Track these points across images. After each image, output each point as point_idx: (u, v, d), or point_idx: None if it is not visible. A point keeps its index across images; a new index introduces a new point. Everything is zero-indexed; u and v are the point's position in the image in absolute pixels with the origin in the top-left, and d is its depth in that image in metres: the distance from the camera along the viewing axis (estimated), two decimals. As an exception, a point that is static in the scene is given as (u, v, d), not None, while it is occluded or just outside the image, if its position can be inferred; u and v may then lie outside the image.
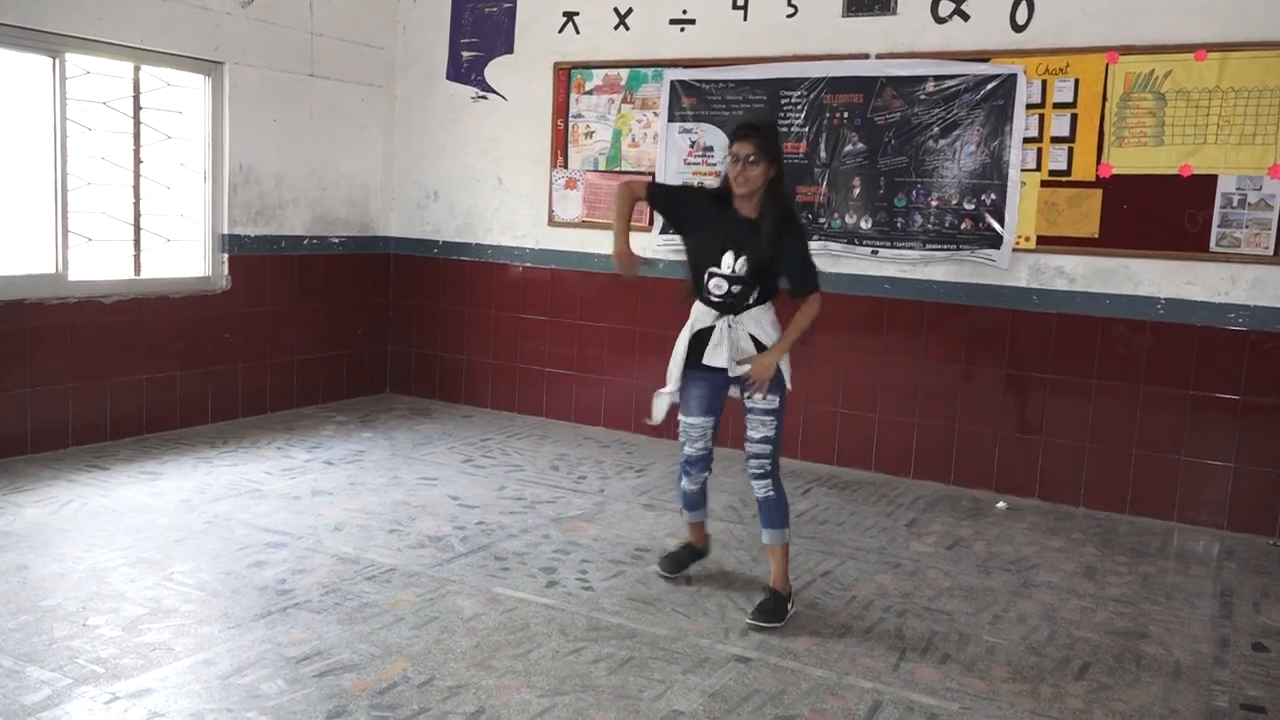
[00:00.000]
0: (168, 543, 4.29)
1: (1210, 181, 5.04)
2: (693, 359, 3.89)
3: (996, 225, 5.48)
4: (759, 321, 3.82)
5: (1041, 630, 3.82)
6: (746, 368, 3.78)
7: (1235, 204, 5.00)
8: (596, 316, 6.72)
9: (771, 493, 3.83)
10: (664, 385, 3.98)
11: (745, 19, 6.10)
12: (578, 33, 6.64)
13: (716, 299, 3.82)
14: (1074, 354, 5.40)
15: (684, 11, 6.28)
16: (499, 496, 5.18)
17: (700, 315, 3.89)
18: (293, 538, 4.42)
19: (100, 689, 3.05)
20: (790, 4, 5.96)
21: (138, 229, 5.95)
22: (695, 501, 4.14)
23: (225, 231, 6.32)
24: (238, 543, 4.33)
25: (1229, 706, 3.29)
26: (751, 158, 3.70)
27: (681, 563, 4.20)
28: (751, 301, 3.81)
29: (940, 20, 5.60)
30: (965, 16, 5.54)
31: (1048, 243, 5.41)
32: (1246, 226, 4.99)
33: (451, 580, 4.02)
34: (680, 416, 3.98)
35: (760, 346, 3.80)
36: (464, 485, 5.34)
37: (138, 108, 5.89)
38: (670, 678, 3.29)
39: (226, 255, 6.34)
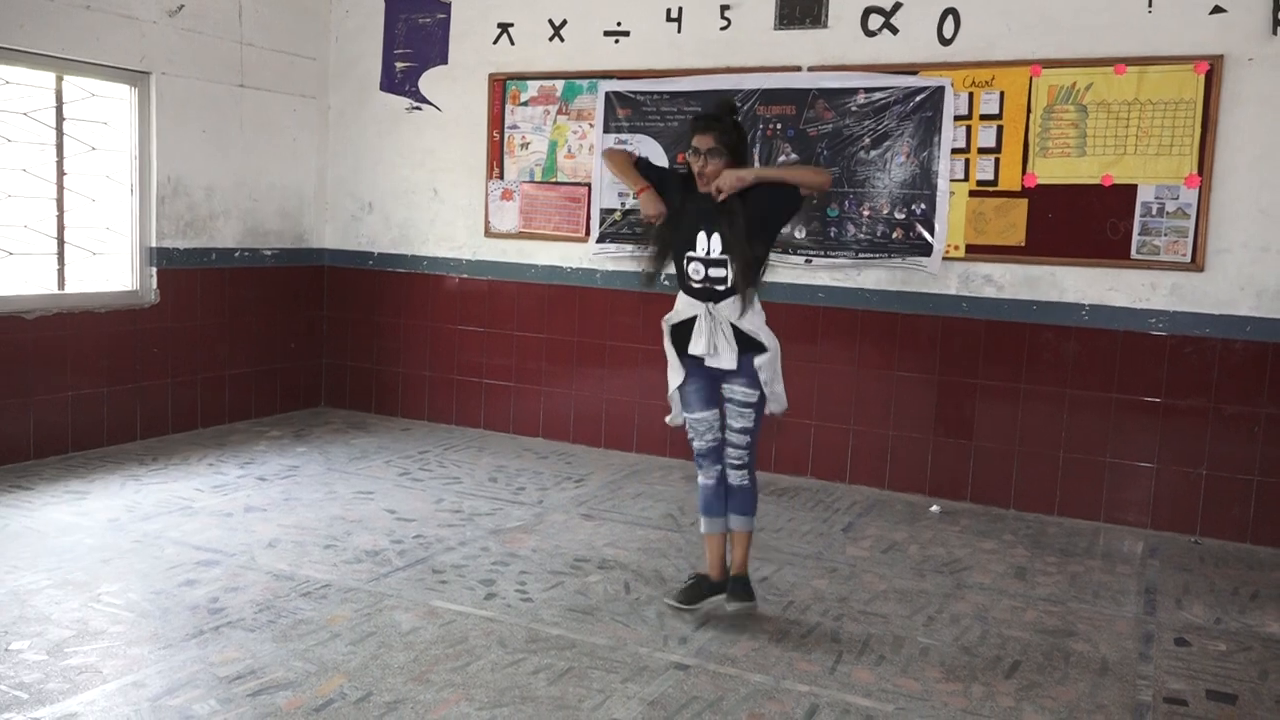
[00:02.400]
0: (95, 563, 4.19)
1: (1130, 191, 5.19)
2: (683, 351, 3.89)
3: (927, 234, 5.59)
4: (739, 310, 3.78)
5: (974, 631, 3.90)
6: (721, 356, 3.77)
7: (1154, 213, 5.16)
8: (534, 327, 6.72)
9: (746, 482, 3.92)
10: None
11: (679, 31, 6.16)
12: (512, 44, 6.64)
13: (696, 285, 3.80)
14: (1003, 360, 5.52)
15: (618, 24, 6.32)
16: (437, 509, 5.15)
17: (681, 306, 3.88)
18: (225, 555, 4.34)
19: (24, 715, 2.97)
20: (724, 17, 6.03)
21: (61, 242, 5.81)
22: (714, 502, 3.97)
23: (153, 244, 6.20)
24: (168, 561, 4.24)
25: (1153, 700, 3.39)
26: (713, 150, 3.68)
27: (699, 594, 3.97)
28: (729, 287, 3.75)
29: (870, 34, 5.71)
30: (894, 30, 5.65)
31: (976, 251, 5.52)
32: (1165, 235, 5.15)
33: (388, 595, 3.99)
34: (684, 414, 3.97)
35: (741, 337, 3.77)
36: (401, 499, 5.30)
37: (60, 119, 5.76)
38: (610, 687, 3.30)
39: (155, 269, 6.22)
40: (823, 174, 3.91)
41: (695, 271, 3.79)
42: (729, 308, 3.78)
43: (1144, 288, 5.23)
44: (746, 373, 3.81)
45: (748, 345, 3.79)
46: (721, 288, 3.77)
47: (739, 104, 5.89)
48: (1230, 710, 3.34)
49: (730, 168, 3.73)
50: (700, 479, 4.01)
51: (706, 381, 3.90)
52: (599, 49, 6.38)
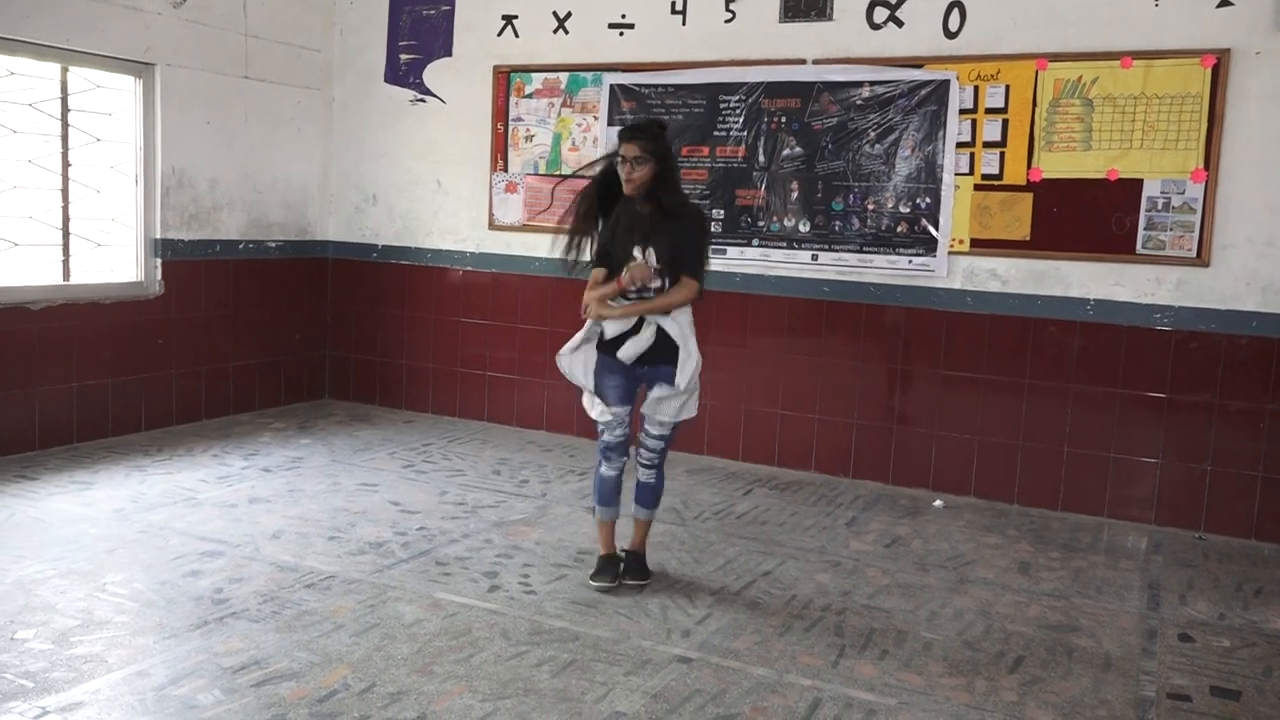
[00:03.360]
0: (100, 553, 4.20)
1: (1136, 185, 5.18)
2: (606, 347, 4.05)
3: (931, 228, 5.58)
4: (675, 319, 3.96)
5: (977, 625, 3.90)
6: (632, 351, 3.96)
7: (1160, 207, 5.14)
8: (538, 320, 6.71)
9: (653, 480, 4.16)
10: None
11: (684, 24, 6.14)
12: (517, 36, 6.63)
13: (632, 294, 3.95)
14: (1007, 354, 5.51)
15: (623, 16, 6.30)
16: (440, 501, 5.15)
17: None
18: (229, 546, 4.35)
19: (29, 704, 2.98)
20: (728, 9, 6.01)
21: (66, 234, 5.81)
22: (612, 494, 4.17)
23: (158, 236, 6.20)
24: (173, 552, 4.25)
25: (1156, 696, 3.39)
26: (638, 158, 3.86)
27: (614, 572, 4.14)
28: (658, 295, 3.95)
29: (875, 27, 5.69)
30: (900, 23, 5.64)
31: (981, 245, 5.51)
32: (1171, 229, 5.13)
33: (392, 586, 3.99)
34: (600, 406, 4.08)
35: (666, 338, 3.94)
36: (405, 491, 5.30)
37: (65, 110, 5.75)
38: (613, 679, 3.30)
39: (159, 260, 6.22)
40: (687, 293, 3.96)
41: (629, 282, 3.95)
42: (667, 318, 3.96)
43: (1149, 283, 5.21)
44: (668, 378, 3.98)
45: (671, 351, 3.96)
46: (653, 296, 3.95)
47: (744, 97, 5.91)
48: (1234, 706, 3.34)
49: (656, 175, 3.89)
50: (604, 469, 4.14)
51: (623, 377, 4.05)
52: (603, 41, 6.37)
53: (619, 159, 3.93)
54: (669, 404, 4.03)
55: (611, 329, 4.00)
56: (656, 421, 4.08)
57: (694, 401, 4.06)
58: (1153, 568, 4.66)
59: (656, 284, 3.94)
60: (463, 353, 6.99)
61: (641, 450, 4.14)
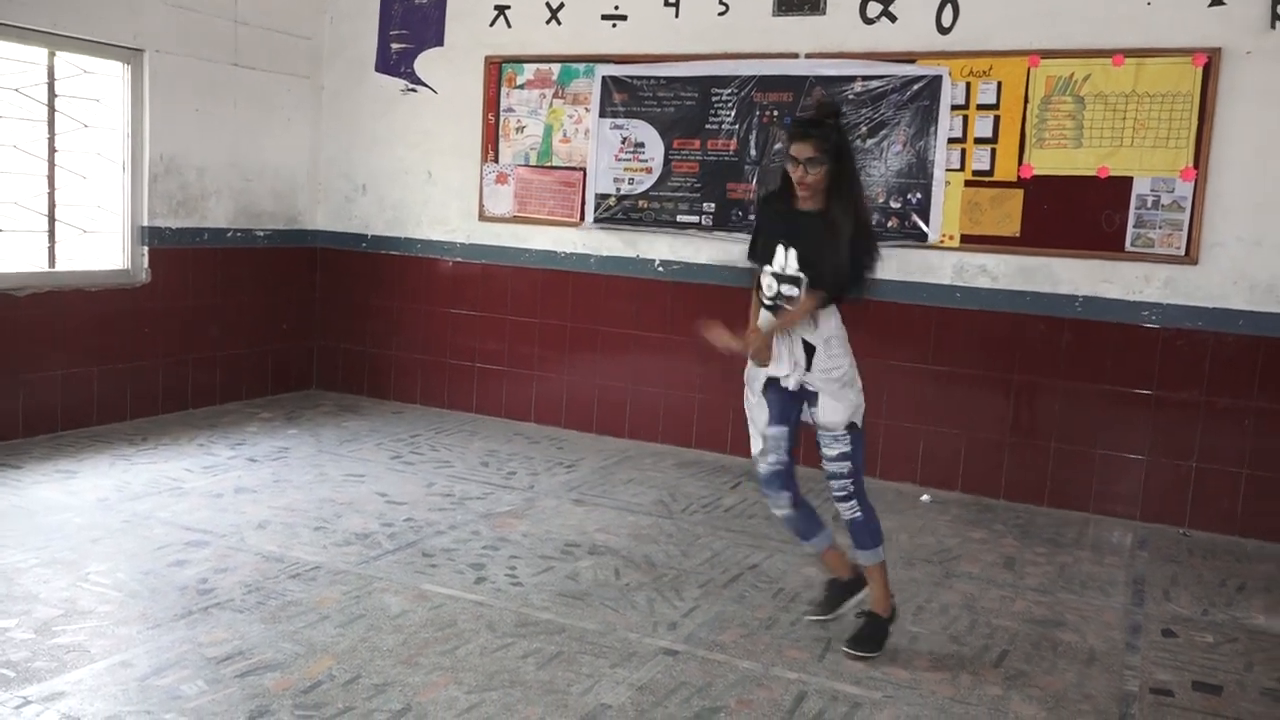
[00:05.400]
0: (84, 542, 4.18)
1: (1126, 183, 5.19)
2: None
3: (922, 224, 5.58)
4: (816, 327, 3.50)
5: (962, 620, 3.91)
6: (781, 366, 3.51)
7: (1150, 205, 5.16)
8: (527, 312, 6.70)
9: (857, 514, 3.56)
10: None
11: (677, 16, 6.12)
12: (509, 26, 6.60)
13: (768, 301, 3.53)
14: (996, 350, 5.52)
15: (616, 7, 6.28)
16: (428, 493, 5.14)
17: (762, 323, 3.58)
18: (215, 536, 4.33)
19: (11, 693, 2.96)
20: (721, 2, 6.00)
21: (52, 220, 5.77)
22: (801, 527, 3.70)
23: (145, 223, 6.16)
24: (157, 542, 4.23)
25: (1139, 690, 3.40)
26: (812, 160, 3.38)
27: (833, 602, 3.78)
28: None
29: (868, 21, 5.68)
30: (893, 18, 5.63)
31: (971, 241, 5.52)
32: (1160, 227, 5.14)
33: (378, 577, 3.98)
34: (756, 428, 3.65)
35: (810, 351, 3.49)
36: (392, 482, 5.29)
37: (52, 95, 5.71)
38: (598, 671, 3.30)
39: (146, 248, 6.19)
40: (813, 303, 3.48)
41: (768, 287, 3.53)
42: (806, 327, 3.50)
43: (1138, 280, 5.23)
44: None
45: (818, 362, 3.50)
46: (791, 306, 3.49)
47: (736, 90, 5.89)
48: (1216, 701, 3.36)
49: (833, 175, 3.41)
50: (774, 511, 3.69)
51: (783, 395, 3.56)
52: (596, 32, 6.35)
53: (789, 159, 3.43)
54: (828, 406, 3.48)
55: (767, 369, 3.56)
56: (828, 436, 3.51)
57: (851, 402, 3.50)
58: (1137, 563, 4.68)
59: (789, 290, 3.47)
60: (451, 344, 6.97)
61: (831, 482, 3.55)
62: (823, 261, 3.42)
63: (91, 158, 5.97)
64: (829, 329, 3.52)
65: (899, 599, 4.07)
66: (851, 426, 3.51)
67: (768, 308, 3.57)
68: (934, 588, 4.23)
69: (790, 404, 3.57)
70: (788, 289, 3.49)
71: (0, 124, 5.49)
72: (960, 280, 5.57)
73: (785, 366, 3.53)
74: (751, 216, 5.95)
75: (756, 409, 3.64)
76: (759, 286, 3.60)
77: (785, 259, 3.48)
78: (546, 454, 6.04)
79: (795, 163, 3.41)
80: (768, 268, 3.53)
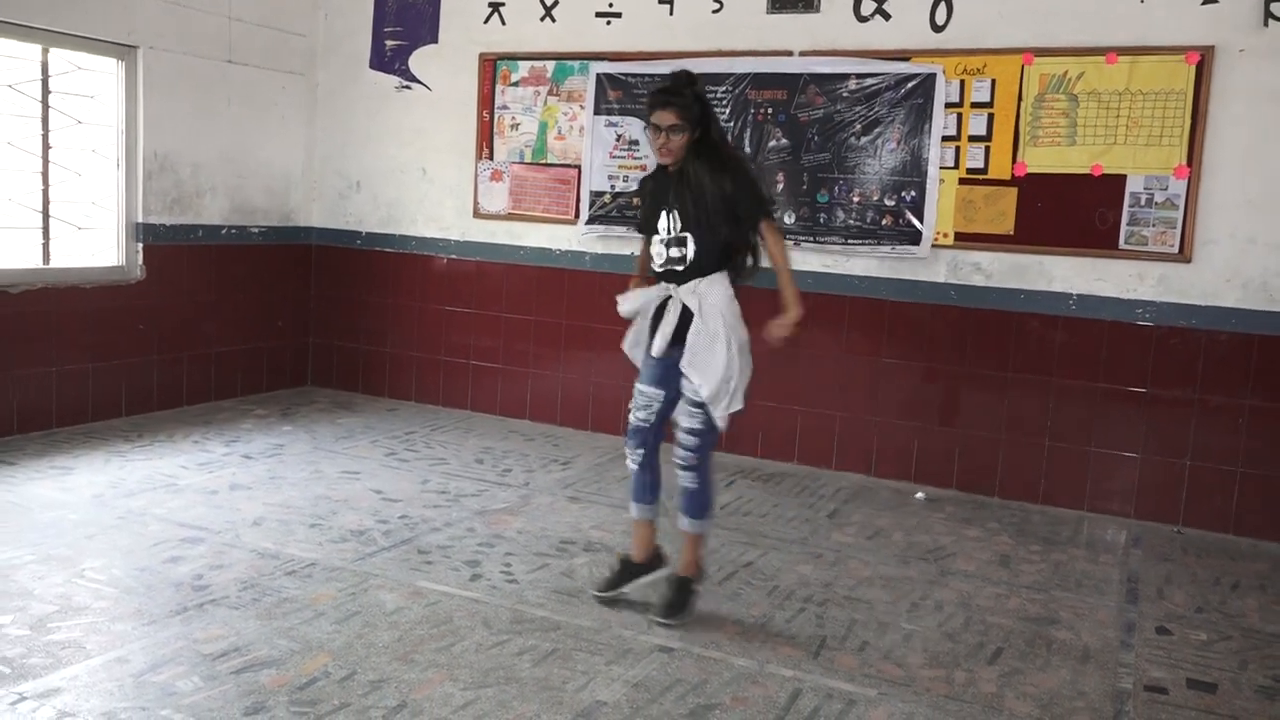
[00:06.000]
0: (79, 539, 4.17)
1: (1119, 181, 5.20)
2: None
3: (916, 221, 5.59)
4: (697, 294, 3.59)
5: (957, 618, 3.92)
6: (662, 344, 3.62)
7: (1143, 203, 5.17)
8: (522, 309, 6.70)
9: (695, 485, 3.72)
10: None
11: (671, 14, 6.12)
12: (503, 23, 6.60)
13: (659, 269, 3.67)
14: (990, 348, 5.54)
15: (610, 5, 6.28)
16: (423, 490, 5.14)
17: (651, 293, 3.72)
18: (210, 533, 4.33)
19: (6, 689, 2.96)
20: (716, 0, 6.00)
21: (46, 217, 5.76)
22: (637, 488, 3.82)
23: (139, 220, 6.15)
24: (152, 538, 4.23)
25: (1133, 688, 3.42)
26: (674, 126, 3.52)
27: (616, 581, 3.85)
28: (688, 268, 3.59)
29: (862, 19, 5.69)
30: (886, 16, 5.64)
31: (965, 239, 5.53)
32: (1153, 225, 5.16)
33: (374, 574, 3.98)
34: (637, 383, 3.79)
35: (687, 320, 3.57)
36: (387, 479, 5.29)
37: (46, 91, 5.69)
38: (594, 668, 3.30)
39: (141, 244, 6.17)
40: (778, 234, 3.66)
41: (658, 255, 3.66)
42: (686, 292, 3.61)
43: (1131, 278, 5.24)
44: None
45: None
46: (680, 268, 3.61)
47: (731, 88, 5.89)
48: (1210, 699, 3.37)
49: (695, 142, 3.55)
50: (627, 461, 3.82)
51: (663, 361, 3.68)
52: (590, 30, 6.35)
53: (650, 127, 3.56)
54: (691, 374, 3.57)
55: (627, 308, 3.74)
56: (686, 406, 3.65)
57: (727, 374, 3.56)
58: (1132, 561, 4.69)
59: (677, 253, 3.60)
60: (446, 341, 6.97)
61: (675, 449, 3.71)
62: (744, 196, 3.55)
63: (85, 154, 5.95)
64: (715, 297, 3.59)
65: (893, 596, 4.09)
66: (709, 406, 3.59)
67: (660, 275, 3.69)
68: (929, 585, 4.24)
69: (668, 373, 3.67)
70: (675, 251, 3.62)
71: (-6, 120, 5.48)
72: (954, 278, 5.58)
73: (660, 336, 3.64)
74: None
75: (634, 348, 3.81)
76: (651, 258, 3.75)
77: (669, 222, 3.63)
78: (541, 451, 6.04)
79: (657, 130, 3.56)
80: (655, 236, 3.68)
